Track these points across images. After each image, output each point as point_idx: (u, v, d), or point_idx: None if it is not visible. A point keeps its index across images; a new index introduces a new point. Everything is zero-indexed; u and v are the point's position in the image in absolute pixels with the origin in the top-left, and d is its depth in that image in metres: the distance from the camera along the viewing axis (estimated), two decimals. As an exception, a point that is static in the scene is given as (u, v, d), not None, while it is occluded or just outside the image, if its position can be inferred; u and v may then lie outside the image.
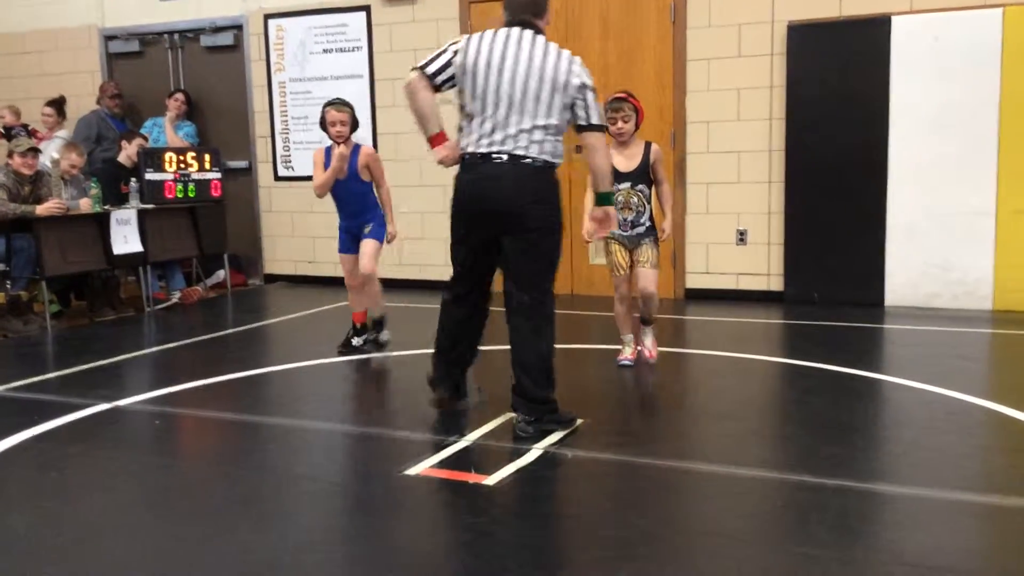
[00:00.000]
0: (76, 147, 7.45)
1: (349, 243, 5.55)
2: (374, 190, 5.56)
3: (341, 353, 5.59)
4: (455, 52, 3.90)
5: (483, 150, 3.87)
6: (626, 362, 5.13)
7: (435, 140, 3.99)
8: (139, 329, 6.88)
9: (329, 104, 5.42)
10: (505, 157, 3.83)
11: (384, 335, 5.69)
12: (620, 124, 4.97)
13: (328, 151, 5.43)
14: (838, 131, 6.83)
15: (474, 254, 4.03)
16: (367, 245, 5.45)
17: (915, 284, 6.77)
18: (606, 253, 5.15)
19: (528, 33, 3.88)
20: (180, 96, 8.71)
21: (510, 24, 3.92)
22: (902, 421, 4.20)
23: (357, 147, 5.46)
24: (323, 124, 5.41)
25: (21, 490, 3.50)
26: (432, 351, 4.33)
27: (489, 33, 3.91)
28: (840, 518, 3.01)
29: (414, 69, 3.95)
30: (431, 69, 3.92)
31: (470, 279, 4.09)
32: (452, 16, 7.89)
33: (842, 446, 3.73)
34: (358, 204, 5.49)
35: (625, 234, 5.05)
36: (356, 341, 5.68)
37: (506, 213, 3.86)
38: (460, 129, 4.00)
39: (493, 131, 3.85)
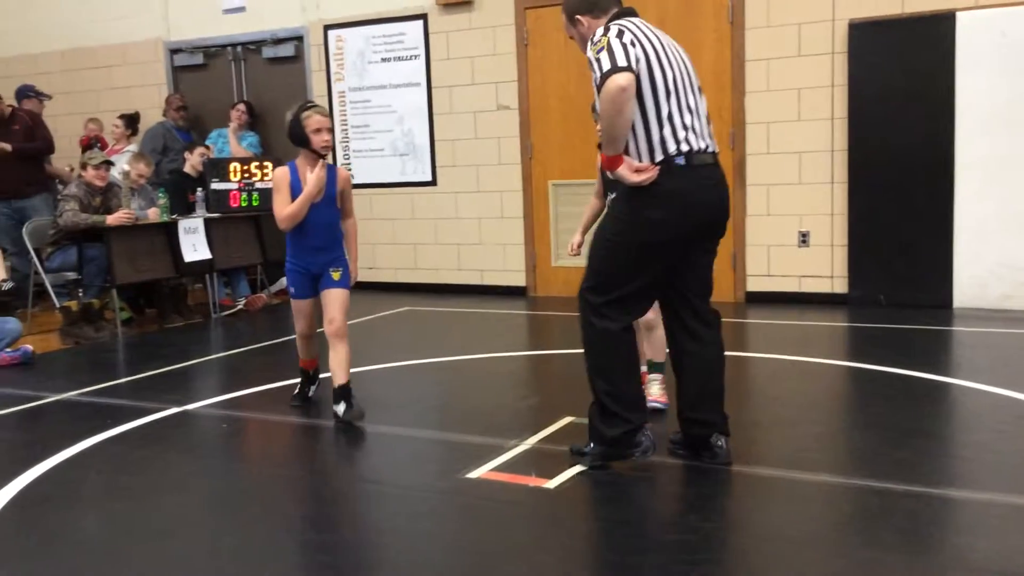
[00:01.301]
0: (144, 158, 7.65)
1: (307, 286, 4.43)
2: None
3: (295, 408, 4.66)
4: (631, 45, 3.23)
5: (697, 147, 3.35)
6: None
7: (619, 159, 3.33)
8: (206, 335, 7.04)
9: (311, 107, 4.33)
10: (714, 149, 3.44)
11: (354, 408, 4.29)
12: None
13: (295, 170, 4.32)
14: (902, 130, 6.71)
15: (664, 276, 3.47)
16: (340, 296, 4.39)
17: (984, 285, 6.61)
18: None
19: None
20: (242, 107, 8.89)
21: (627, 14, 3.46)
22: (971, 425, 4.11)
23: (332, 166, 4.43)
24: (297, 134, 4.30)
25: (94, 491, 3.61)
26: (599, 411, 3.55)
27: (629, 23, 3.36)
28: (907, 523, 2.96)
29: (621, 69, 3.16)
30: (624, 62, 3.18)
31: (648, 301, 3.59)
32: (508, 22, 7.92)
33: (909, 450, 3.66)
34: (327, 237, 4.40)
35: None
36: (311, 391, 4.75)
37: (726, 218, 3.51)
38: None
39: (696, 124, 3.38)
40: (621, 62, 3.17)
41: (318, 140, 4.27)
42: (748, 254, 7.36)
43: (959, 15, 6.48)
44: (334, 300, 4.38)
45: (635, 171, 3.32)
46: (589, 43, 3.35)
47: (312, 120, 4.25)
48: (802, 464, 3.53)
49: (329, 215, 4.38)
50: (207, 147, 8.44)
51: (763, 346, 5.78)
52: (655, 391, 4.27)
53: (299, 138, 4.30)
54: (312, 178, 4.21)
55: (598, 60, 3.23)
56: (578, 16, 3.51)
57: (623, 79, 3.15)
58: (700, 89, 3.47)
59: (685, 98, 3.36)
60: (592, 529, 3.14)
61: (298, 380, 4.77)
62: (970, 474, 3.46)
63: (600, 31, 3.32)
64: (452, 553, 2.94)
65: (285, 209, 4.26)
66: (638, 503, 3.31)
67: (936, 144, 6.62)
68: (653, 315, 4.05)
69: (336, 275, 4.40)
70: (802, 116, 7.07)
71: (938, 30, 6.54)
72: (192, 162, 8.10)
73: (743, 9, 7.16)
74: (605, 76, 3.18)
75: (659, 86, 3.30)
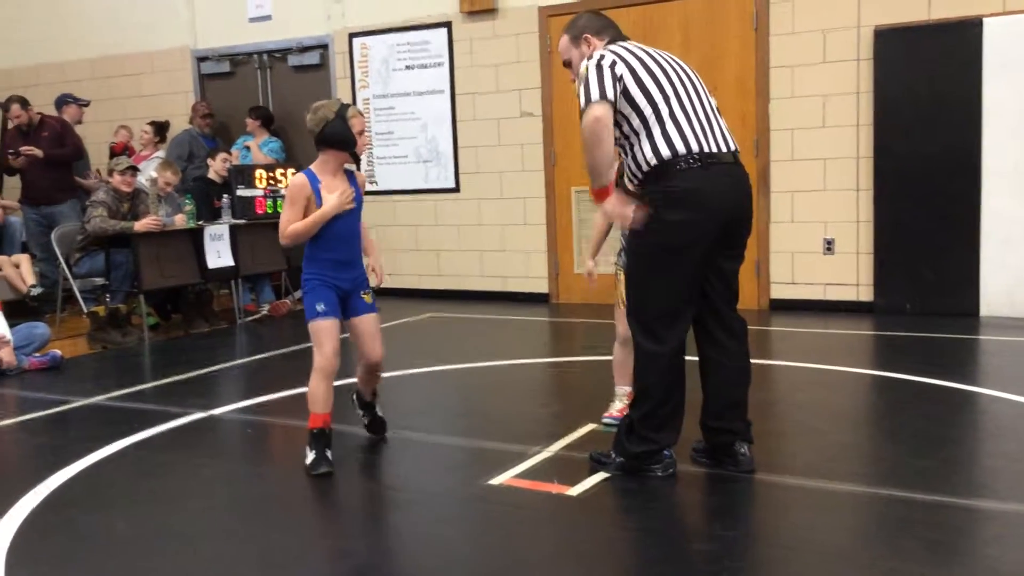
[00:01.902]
0: (172, 165, 7.73)
1: (338, 305, 3.81)
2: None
3: (321, 476, 3.70)
4: (613, 65, 3.32)
5: (709, 148, 3.33)
6: (610, 420, 4.13)
7: (607, 192, 3.40)
8: (231, 340, 7.09)
9: (349, 106, 3.85)
10: (732, 148, 3.40)
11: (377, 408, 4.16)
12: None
13: (315, 179, 3.79)
14: (929, 136, 6.66)
15: (698, 281, 3.42)
16: (377, 323, 3.94)
17: (1012, 293, 6.55)
18: (615, 283, 4.21)
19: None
20: (252, 116, 8.93)
21: (621, 39, 3.58)
22: (998, 434, 4.07)
23: (352, 172, 3.97)
24: (341, 134, 3.76)
25: (122, 495, 3.64)
26: (645, 443, 3.48)
27: (615, 46, 3.47)
28: (933, 533, 2.93)
29: (595, 102, 3.26)
30: (612, 95, 3.28)
31: (689, 313, 3.44)
32: (532, 30, 7.95)
33: (936, 460, 3.62)
34: (354, 250, 3.89)
35: None
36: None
37: (749, 219, 3.48)
38: (626, 149, 3.43)
39: (707, 125, 3.37)
40: (595, 95, 3.27)
41: (361, 143, 3.84)
42: (772, 261, 7.33)
43: (986, 21, 6.43)
44: (374, 330, 3.90)
45: (624, 206, 3.38)
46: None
47: (357, 120, 3.80)
48: (827, 473, 3.51)
49: (355, 226, 3.90)
50: (230, 153, 8.51)
51: (787, 354, 5.75)
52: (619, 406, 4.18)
53: (343, 139, 3.77)
54: (336, 199, 3.75)
55: (579, 95, 3.35)
56: (587, 35, 3.60)
57: (598, 110, 3.25)
58: (709, 94, 3.49)
59: (689, 101, 3.37)
60: (614, 537, 3.13)
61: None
62: (998, 484, 3.43)
63: (585, 61, 3.41)
64: (475, 560, 2.95)
65: (293, 225, 3.74)
66: (661, 511, 3.30)
67: (963, 151, 6.57)
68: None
69: (368, 297, 3.91)
70: (827, 123, 7.04)
71: (965, 36, 6.49)
72: (216, 168, 8.17)
73: (767, 16, 7.14)
74: (584, 108, 3.30)
75: (653, 92, 3.33)
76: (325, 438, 3.74)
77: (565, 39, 3.69)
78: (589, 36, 3.59)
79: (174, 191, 7.66)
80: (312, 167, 3.86)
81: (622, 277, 4.13)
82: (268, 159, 8.71)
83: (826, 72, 6.99)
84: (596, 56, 3.38)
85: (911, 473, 3.49)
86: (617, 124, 3.36)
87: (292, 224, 3.75)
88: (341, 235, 3.82)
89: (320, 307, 3.72)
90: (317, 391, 3.74)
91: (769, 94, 7.20)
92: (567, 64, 3.71)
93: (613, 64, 3.32)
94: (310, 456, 3.71)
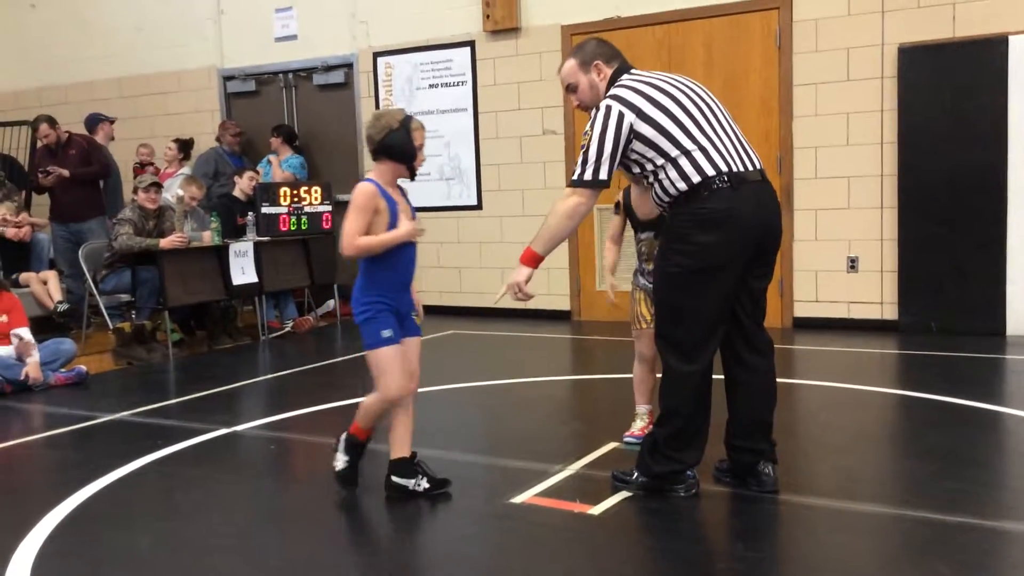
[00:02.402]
0: (196, 181, 7.81)
1: (399, 328, 3.55)
2: None
3: (345, 488, 3.73)
4: (619, 119, 3.31)
5: (737, 168, 3.31)
6: (632, 439, 4.14)
7: (539, 260, 3.46)
8: (255, 357, 7.13)
9: (413, 118, 3.63)
10: (758, 167, 3.39)
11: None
12: None
13: (382, 188, 3.53)
14: (954, 155, 6.62)
15: (728, 301, 3.39)
16: (419, 345, 3.73)
17: (1039, 312, 6.48)
18: (631, 301, 4.24)
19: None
20: (274, 136, 9.02)
21: (626, 68, 3.55)
22: (1027, 456, 4.02)
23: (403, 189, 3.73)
24: (404, 146, 3.54)
25: (146, 510, 3.67)
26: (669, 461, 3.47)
27: (627, 82, 3.44)
28: (961, 555, 2.89)
29: (583, 184, 3.31)
30: (605, 174, 3.32)
31: (719, 333, 3.42)
32: (555, 48, 7.98)
33: (963, 481, 3.58)
34: (412, 272, 3.68)
35: (651, 285, 3.95)
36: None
37: (778, 236, 3.46)
38: (652, 180, 3.40)
39: (732, 145, 3.35)
40: (588, 175, 3.31)
41: (420, 157, 3.62)
42: (796, 279, 7.29)
43: (1012, 39, 6.39)
44: (417, 352, 3.69)
45: (521, 284, 3.43)
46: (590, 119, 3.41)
47: (419, 133, 3.59)
48: (852, 494, 3.48)
49: (415, 247, 3.66)
50: (256, 171, 8.59)
51: (811, 373, 5.71)
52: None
53: (404, 150, 3.53)
54: (412, 227, 3.53)
55: (579, 156, 3.36)
56: (599, 62, 3.56)
57: (583, 196, 3.34)
58: (727, 114, 3.47)
59: (709, 124, 3.35)
60: (637, 556, 3.11)
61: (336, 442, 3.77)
62: (1026, 506, 3.38)
63: (594, 113, 3.39)
64: (496, 578, 2.94)
65: (365, 238, 3.44)
66: (683, 531, 3.28)
67: (988, 169, 6.52)
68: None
69: (419, 320, 3.73)
70: (851, 141, 7.01)
71: (990, 54, 6.46)
72: (242, 186, 8.25)
73: (791, 33, 7.14)
74: (574, 183, 3.35)
75: (669, 126, 3.30)
76: (360, 449, 3.68)
77: (572, 64, 3.62)
78: (600, 63, 3.56)
79: (199, 208, 7.73)
80: (372, 176, 3.58)
81: (639, 297, 4.18)
82: (288, 176, 8.77)
83: (850, 90, 6.97)
84: (603, 109, 3.35)
85: (937, 494, 3.45)
86: (639, 164, 3.38)
87: (362, 236, 3.43)
88: (410, 255, 3.61)
89: (387, 333, 3.46)
90: (372, 409, 3.59)
91: (792, 112, 7.18)
92: (571, 89, 3.66)
93: (620, 119, 3.31)
94: (340, 461, 3.65)
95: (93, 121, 9.07)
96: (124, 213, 7.11)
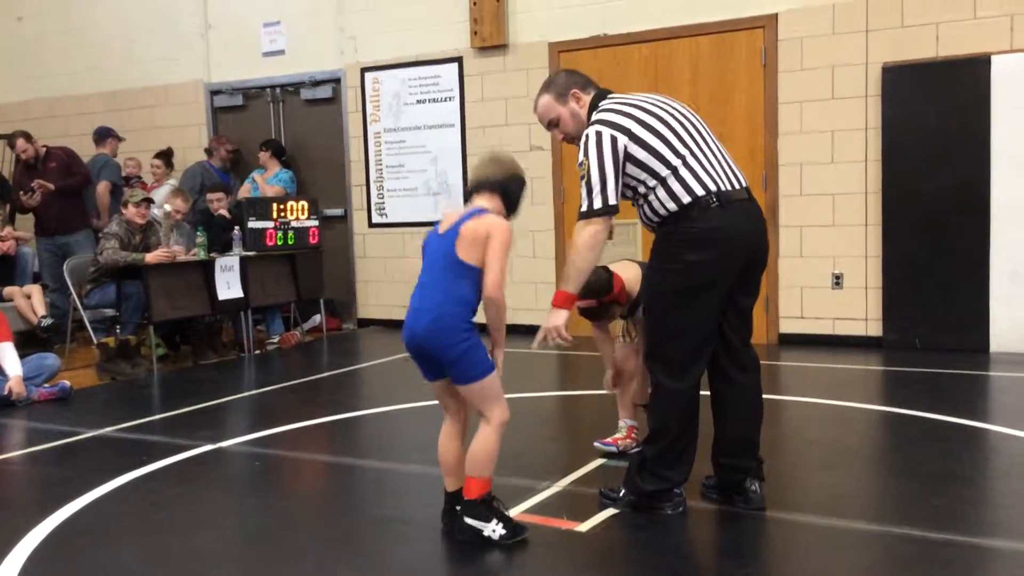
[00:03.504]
0: (182, 193, 7.80)
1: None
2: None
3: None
4: (613, 142, 3.29)
5: (725, 186, 3.33)
6: (601, 445, 4.27)
7: (571, 299, 3.45)
8: (240, 372, 7.10)
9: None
10: (744, 185, 3.41)
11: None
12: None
13: None
14: (937, 173, 6.68)
15: (716, 319, 3.40)
16: None
17: (1021, 329, 6.52)
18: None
19: None
20: (264, 148, 9.03)
21: (605, 94, 3.55)
22: (1011, 473, 4.04)
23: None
24: (515, 197, 3.40)
25: (131, 527, 3.64)
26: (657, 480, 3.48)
27: (610, 106, 3.43)
28: (945, 572, 2.91)
29: (594, 213, 3.28)
30: (613, 199, 3.29)
31: (709, 352, 3.42)
32: (542, 65, 8.02)
33: (948, 498, 3.60)
34: None
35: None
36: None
37: (765, 255, 3.49)
38: (641, 201, 3.41)
39: (718, 164, 3.38)
40: (597, 203, 3.27)
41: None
42: (781, 296, 7.33)
43: (994, 59, 6.47)
44: None
45: (560, 329, 3.44)
46: (580, 148, 3.37)
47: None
48: (837, 510, 3.49)
49: None
50: (227, 193, 8.51)
51: (796, 389, 5.73)
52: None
53: (517, 203, 3.42)
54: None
55: (583, 188, 3.32)
56: (575, 90, 3.56)
57: (598, 224, 3.29)
58: (711, 133, 3.48)
59: (696, 144, 3.36)
60: (624, 573, 3.11)
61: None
62: (1010, 523, 3.40)
63: (583, 139, 3.36)
64: (483, 596, 2.93)
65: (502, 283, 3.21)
66: (671, 548, 3.28)
67: (971, 186, 6.59)
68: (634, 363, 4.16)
69: None
70: (836, 158, 7.07)
71: (973, 74, 6.53)
72: (214, 208, 8.18)
73: (776, 52, 7.20)
74: (586, 216, 3.30)
75: (660, 148, 3.30)
76: (497, 502, 3.33)
77: (547, 98, 3.59)
78: (577, 91, 3.56)
79: (186, 223, 7.71)
80: (488, 208, 3.31)
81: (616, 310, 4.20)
82: (279, 190, 8.76)
83: (835, 108, 7.03)
84: (594, 135, 3.32)
85: (923, 511, 3.47)
86: (630, 187, 3.38)
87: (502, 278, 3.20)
88: None
89: (489, 357, 3.24)
90: (494, 447, 3.25)
91: (778, 129, 7.23)
92: (552, 124, 3.64)
93: (614, 142, 3.29)
94: (497, 532, 3.24)
95: (103, 134, 9.03)
96: (111, 227, 7.09)
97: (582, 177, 3.35)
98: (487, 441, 3.24)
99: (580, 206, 3.35)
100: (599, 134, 3.33)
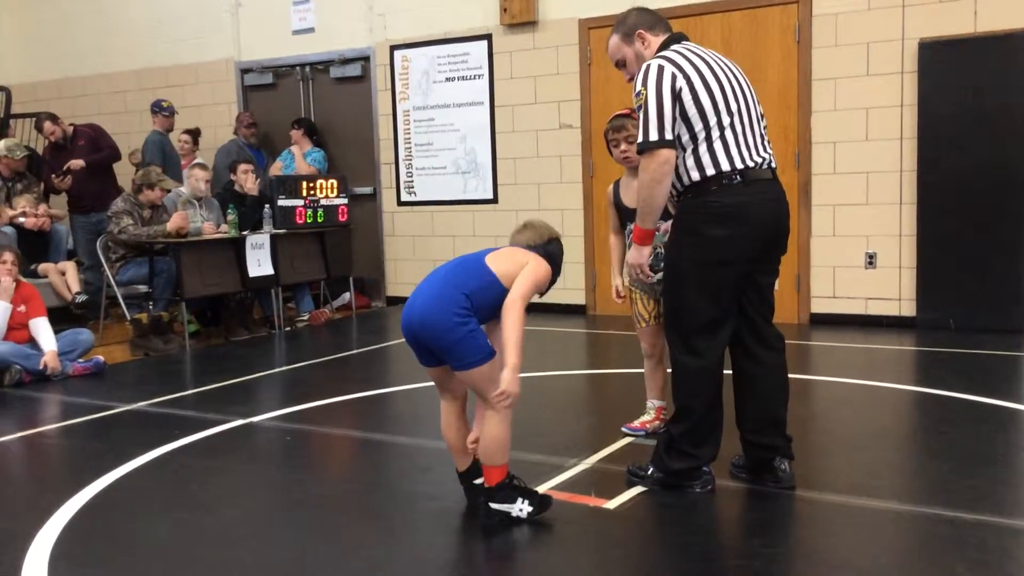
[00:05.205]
0: (201, 165, 7.89)
1: None
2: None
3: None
4: (673, 79, 3.23)
5: (754, 162, 3.30)
6: (628, 430, 4.27)
7: (650, 235, 3.41)
8: (271, 348, 7.16)
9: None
10: (772, 165, 3.38)
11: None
12: (624, 147, 4.04)
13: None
14: (974, 150, 6.57)
15: (736, 296, 3.38)
16: None
17: (1060, 310, 6.42)
18: (629, 301, 4.30)
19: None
20: (296, 128, 9.02)
21: (678, 39, 3.48)
22: (1047, 454, 3.99)
23: None
24: (557, 259, 3.42)
25: (162, 500, 3.68)
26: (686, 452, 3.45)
27: (673, 52, 3.36)
28: (979, 554, 2.87)
29: (659, 145, 3.20)
30: (670, 135, 3.22)
31: (729, 328, 3.39)
32: (572, 42, 7.96)
33: (981, 478, 3.56)
34: None
35: (646, 283, 4.07)
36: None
37: (786, 235, 3.46)
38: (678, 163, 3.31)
39: (753, 140, 3.34)
40: (655, 135, 3.20)
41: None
42: (813, 275, 7.25)
43: (1034, 33, 6.34)
44: None
45: (644, 265, 3.43)
46: (636, 78, 3.34)
47: None
48: (869, 491, 3.46)
49: None
50: (253, 169, 8.45)
51: (828, 369, 5.68)
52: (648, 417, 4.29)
53: (559, 264, 3.42)
54: None
55: (640, 119, 3.27)
56: (641, 31, 3.50)
57: (665, 154, 3.20)
58: (759, 106, 3.44)
59: (739, 116, 3.32)
60: (652, 551, 3.11)
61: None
62: (1045, 505, 3.36)
63: (643, 69, 3.31)
64: (510, 572, 2.94)
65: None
66: (699, 526, 3.27)
67: (1008, 165, 6.47)
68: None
69: None
70: (870, 136, 6.97)
71: (1012, 49, 6.40)
72: (241, 182, 8.09)
73: (810, 28, 7.09)
74: (646, 148, 3.22)
75: (708, 109, 3.26)
76: (519, 480, 3.30)
77: (616, 39, 3.57)
78: (643, 32, 3.49)
79: (214, 198, 7.76)
80: None
81: (635, 296, 4.22)
82: (312, 169, 8.78)
83: (870, 85, 6.93)
84: (655, 67, 3.27)
85: (956, 492, 3.43)
86: None
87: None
88: None
89: (488, 342, 3.17)
90: (506, 432, 3.20)
91: (811, 107, 7.14)
92: (620, 64, 3.60)
93: (674, 79, 3.24)
94: (524, 507, 3.21)
95: (157, 106, 9.02)
96: (118, 205, 7.16)
97: (639, 107, 3.28)
98: (497, 428, 3.18)
99: (638, 137, 3.28)
100: (661, 68, 3.27)
